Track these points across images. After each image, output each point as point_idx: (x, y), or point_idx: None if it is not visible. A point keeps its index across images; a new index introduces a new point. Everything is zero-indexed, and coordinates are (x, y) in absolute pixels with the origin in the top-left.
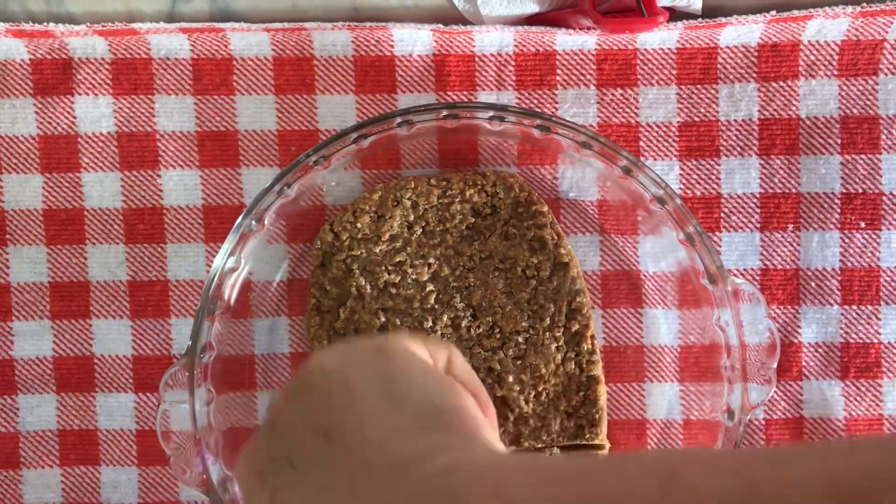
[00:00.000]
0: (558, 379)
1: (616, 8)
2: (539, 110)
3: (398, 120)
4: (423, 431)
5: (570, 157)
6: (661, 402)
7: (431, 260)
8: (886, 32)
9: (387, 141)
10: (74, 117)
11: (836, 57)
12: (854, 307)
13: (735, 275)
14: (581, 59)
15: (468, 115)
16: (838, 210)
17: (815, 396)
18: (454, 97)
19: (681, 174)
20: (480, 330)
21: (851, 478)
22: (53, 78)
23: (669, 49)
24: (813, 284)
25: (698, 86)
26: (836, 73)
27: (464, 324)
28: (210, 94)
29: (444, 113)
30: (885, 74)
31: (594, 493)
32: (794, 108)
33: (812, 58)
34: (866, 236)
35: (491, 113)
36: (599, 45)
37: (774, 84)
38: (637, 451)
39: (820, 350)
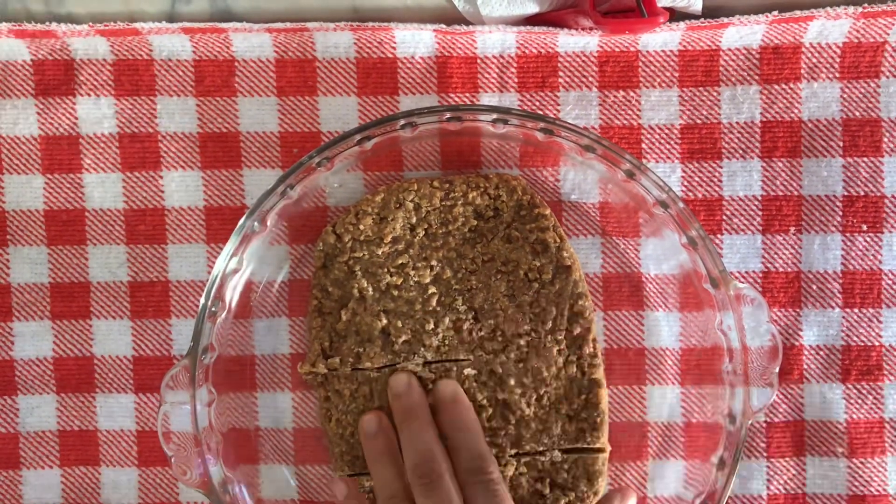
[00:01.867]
0: (560, 382)
1: (616, 8)
2: (542, 113)
3: (401, 122)
4: None
5: (572, 159)
6: (663, 404)
7: (433, 262)
8: (888, 34)
9: (390, 143)
10: (76, 118)
11: (838, 59)
12: (855, 310)
13: (737, 278)
14: (583, 61)
15: (471, 117)
16: (840, 213)
17: (816, 399)
18: (456, 99)
19: (683, 176)
20: (482, 333)
21: None
22: (55, 79)
23: (671, 51)
24: (814, 287)
25: (700, 88)
26: (837, 75)
27: (465, 326)
28: (212, 96)
29: (448, 115)
30: (887, 77)
31: None
32: (796, 111)
33: (814, 60)
34: (868, 239)
35: (494, 116)
36: (601, 46)
37: (776, 86)
38: None
39: (821, 353)
